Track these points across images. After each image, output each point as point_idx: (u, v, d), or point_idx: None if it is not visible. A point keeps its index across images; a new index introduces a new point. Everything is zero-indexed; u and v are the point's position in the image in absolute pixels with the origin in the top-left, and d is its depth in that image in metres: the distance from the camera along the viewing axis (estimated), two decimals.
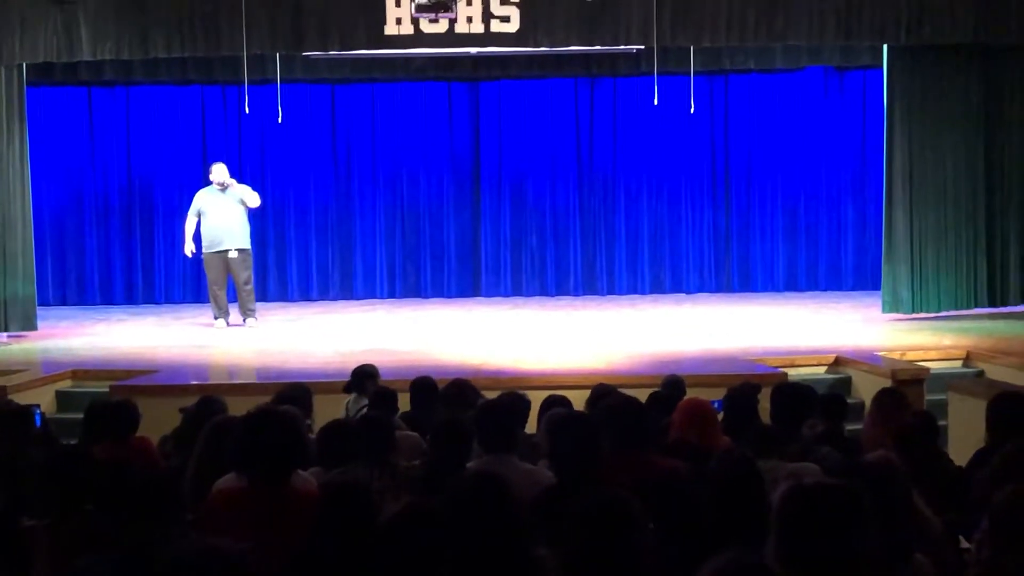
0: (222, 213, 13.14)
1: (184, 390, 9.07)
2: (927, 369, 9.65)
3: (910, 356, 10.31)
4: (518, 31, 11.93)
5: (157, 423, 7.02)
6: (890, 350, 10.55)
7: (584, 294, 16.07)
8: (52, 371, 10.41)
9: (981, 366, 10.32)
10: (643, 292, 16.10)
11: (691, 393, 7.08)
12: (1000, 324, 12.40)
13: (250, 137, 16.13)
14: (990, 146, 12.93)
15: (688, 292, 16.09)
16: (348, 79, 15.79)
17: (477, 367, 10.14)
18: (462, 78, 15.97)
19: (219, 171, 13.29)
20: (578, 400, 6.92)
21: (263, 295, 15.32)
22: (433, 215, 16.27)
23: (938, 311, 12.86)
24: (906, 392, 7.34)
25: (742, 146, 16.23)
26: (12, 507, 4.31)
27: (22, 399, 8.30)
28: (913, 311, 12.81)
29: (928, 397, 9.18)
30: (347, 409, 7.55)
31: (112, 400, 6.96)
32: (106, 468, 4.80)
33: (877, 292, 13.54)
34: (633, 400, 5.62)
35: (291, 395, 7.00)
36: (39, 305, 13.19)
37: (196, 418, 6.10)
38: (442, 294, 16.20)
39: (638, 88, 15.54)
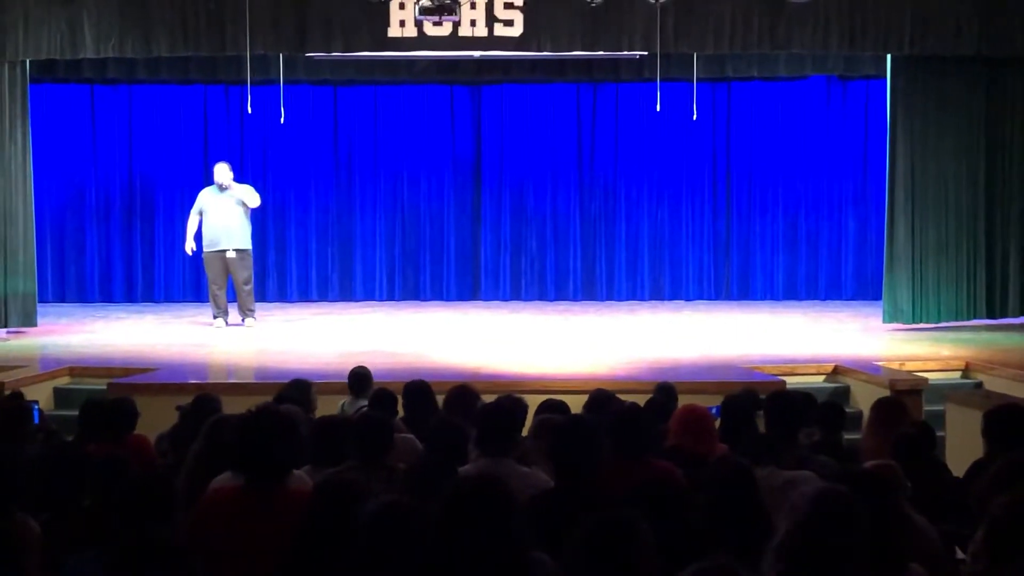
0: (221, 213, 13.14)
1: (182, 389, 9.07)
2: (926, 380, 9.64)
3: (909, 366, 10.31)
4: (521, 35, 11.95)
5: (155, 421, 7.03)
6: (889, 360, 10.55)
7: (583, 299, 16.06)
8: (50, 368, 10.42)
9: (980, 377, 10.33)
10: (642, 298, 16.10)
11: (689, 400, 7.07)
12: (999, 336, 12.40)
13: (252, 137, 16.13)
14: (992, 158, 12.92)
15: (687, 299, 16.09)
16: (351, 81, 15.80)
17: (475, 370, 10.13)
18: (464, 81, 15.97)
19: (219, 171, 13.30)
20: (576, 405, 6.91)
21: (262, 295, 15.32)
22: (433, 218, 16.27)
23: (938, 322, 12.87)
24: (905, 402, 7.33)
25: (744, 154, 16.23)
26: (7, 502, 4.30)
27: None
28: (913, 321, 12.81)
29: (926, 408, 9.18)
30: (343, 410, 7.55)
31: (108, 398, 6.96)
32: (100, 465, 4.80)
33: (877, 302, 13.54)
34: (634, 406, 5.63)
35: (291, 394, 7.00)
36: (38, 302, 13.18)
37: (192, 417, 6.10)
38: (441, 297, 16.19)
39: (640, 94, 15.57)
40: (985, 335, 12.46)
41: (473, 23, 11.86)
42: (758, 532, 3.78)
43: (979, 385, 10.17)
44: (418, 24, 11.72)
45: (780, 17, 11.99)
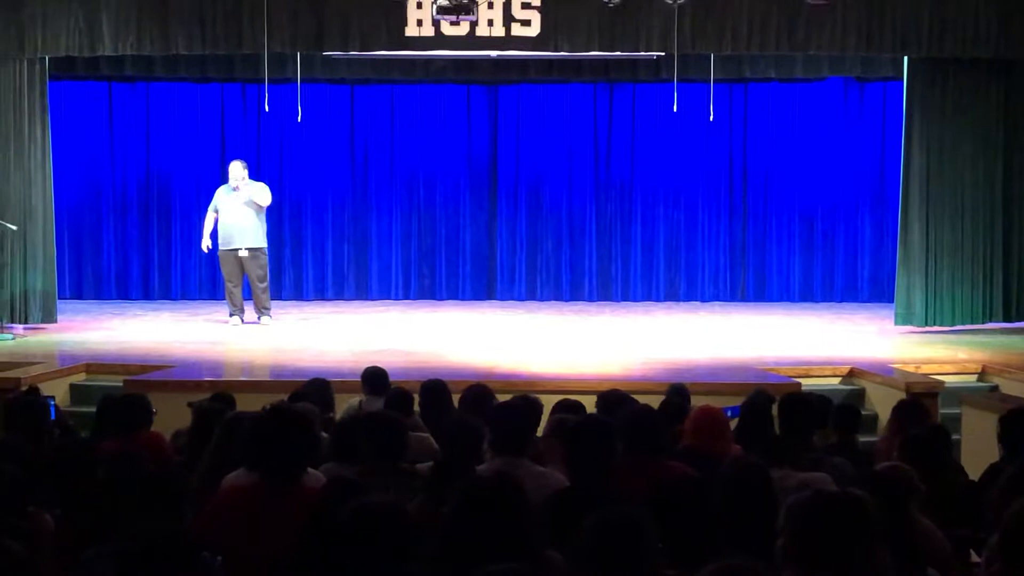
0: (234, 211, 13.15)
1: (198, 386, 9.08)
2: (941, 382, 9.61)
3: (925, 369, 10.27)
4: (538, 35, 11.95)
5: (171, 418, 7.03)
6: (905, 363, 10.52)
7: (599, 300, 16.04)
8: (67, 364, 10.46)
9: (996, 380, 10.28)
10: (658, 299, 16.08)
11: (704, 401, 7.06)
12: (1015, 339, 12.35)
13: (269, 135, 16.16)
14: (1008, 160, 12.87)
15: (703, 300, 16.06)
16: (368, 80, 15.81)
17: (490, 370, 10.14)
18: (481, 81, 15.97)
19: (233, 169, 13.31)
20: (591, 405, 6.91)
21: (278, 293, 15.33)
22: (449, 217, 16.27)
23: (952, 324, 12.81)
24: (926, 405, 7.30)
25: (760, 155, 16.19)
26: (22, 496, 4.32)
27: None
28: (927, 324, 12.76)
29: (942, 411, 9.14)
30: (360, 408, 7.54)
31: (124, 395, 6.98)
32: (114, 462, 4.82)
33: (893, 304, 13.50)
34: (649, 408, 5.63)
35: (310, 392, 7.01)
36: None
37: (209, 414, 6.12)
38: (456, 296, 16.20)
39: (657, 95, 15.55)
40: (1002, 338, 12.41)
41: (490, 23, 11.87)
42: (773, 532, 3.78)
43: (995, 388, 10.12)
44: (435, 23, 11.73)
45: (798, 18, 11.96)
